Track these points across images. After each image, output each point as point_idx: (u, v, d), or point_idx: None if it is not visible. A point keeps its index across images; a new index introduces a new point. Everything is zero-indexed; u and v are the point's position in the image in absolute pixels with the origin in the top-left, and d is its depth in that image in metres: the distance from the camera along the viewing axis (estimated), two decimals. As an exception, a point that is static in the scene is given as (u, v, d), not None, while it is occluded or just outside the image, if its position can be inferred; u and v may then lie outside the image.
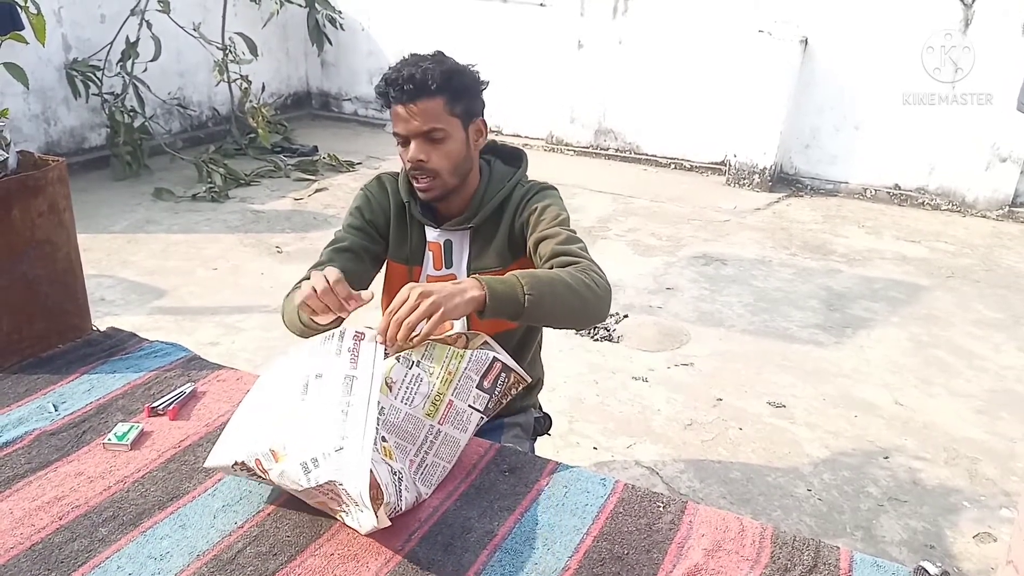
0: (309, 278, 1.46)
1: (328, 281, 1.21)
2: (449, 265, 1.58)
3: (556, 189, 1.60)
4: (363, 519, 1.02)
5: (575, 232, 1.48)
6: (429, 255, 1.58)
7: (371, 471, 1.00)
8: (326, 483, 1.01)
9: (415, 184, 1.49)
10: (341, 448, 1.02)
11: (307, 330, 1.35)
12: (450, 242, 1.57)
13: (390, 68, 1.45)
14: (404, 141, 1.46)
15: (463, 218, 1.54)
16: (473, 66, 1.50)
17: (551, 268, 1.41)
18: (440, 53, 1.47)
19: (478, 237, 1.56)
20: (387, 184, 1.61)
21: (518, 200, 1.55)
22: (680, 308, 3.72)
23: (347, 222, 1.60)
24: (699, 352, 3.30)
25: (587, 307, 1.34)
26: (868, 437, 2.75)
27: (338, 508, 1.07)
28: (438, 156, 1.45)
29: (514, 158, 1.64)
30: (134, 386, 1.46)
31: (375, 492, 1.00)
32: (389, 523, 1.02)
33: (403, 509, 1.07)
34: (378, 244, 1.60)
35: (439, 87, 1.41)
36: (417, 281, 1.57)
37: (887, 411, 2.93)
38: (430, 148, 1.44)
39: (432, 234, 1.57)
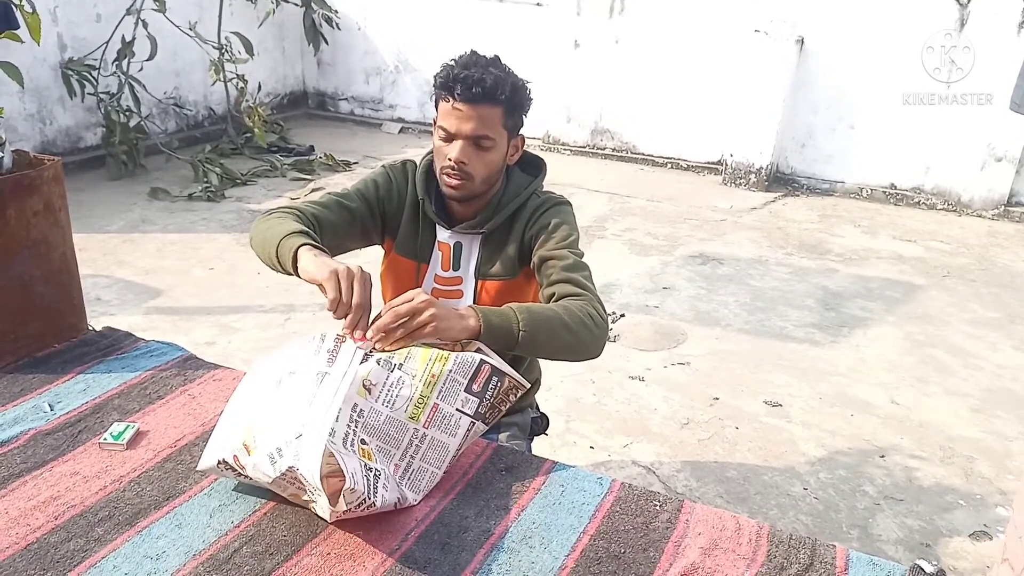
0: (292, 209, 1.48)
1: (359, 299, 1.22)
2: (457, 267, 1.57)
3: (570, 205, 1.59)
4: (322, 504, 1.02)
5: (582, 255, 1.49)
6: (438, 255, 1.58)
7: (334, 456, 1.00)
8: (288, 470, 1.02)
9: (445, 179, 1.48)
10: (300, 435, 1.04)
11: (276, 265, 1.36)
12: (460, 244, 1.56)
13: (454, 62, 1.44)
14: (448, 137, 1.45)
15: (476, 222, 1.54)
16: (528, 83, 1.50)
17: (553, 293, 1.42)
18: (499, 59, 1.47)
19: (489, 242, 1.56)
20: (409, 173, 1.61)
21: (531, 210, 1.55)
22: (676, 307, 3.72)
23: (359, 187, 1.59)
24: (696, 351, 3.30)
25: (581, 345, 1.35)
26: (864, 436, 2.76)
27: (308, 499, 1.07)
28: (479, 163, 1.46)
29: (533, 166, 1.64)
30: (130, 386, 1.46)
31: (337, 478, 0.99)
32: (346, 508, 1.01)
33: (378, 506, 1.05)
34: (376, 224, 1.60)
35: (506, 98, 1.42)
36: (424, 279, 1.58)
37: (883, 410, 2.93)
38: (473, 152, 1.44)
39: (443, 235, 1.57)
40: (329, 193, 1.58)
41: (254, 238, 1.45)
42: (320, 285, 1.24)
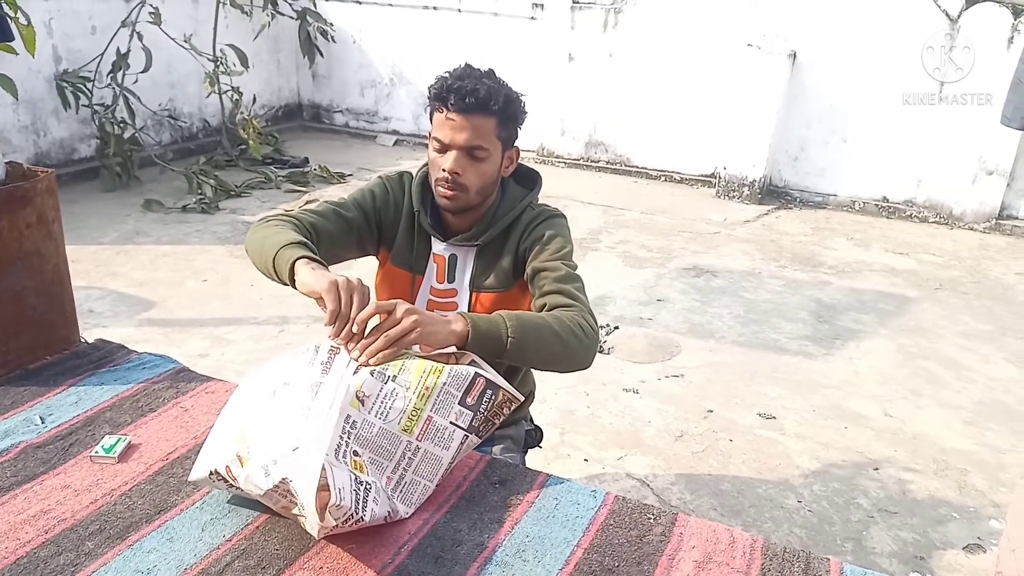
0: (290, 217, 1.47)
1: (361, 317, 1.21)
2: (452, 280, 1.57)
3: (564, 218, 1.60)
4: (311, 520, 1.01)
5: (575, 268, 1.49)
6: (433, 267, 1.58)
7: (324, 469, 1.00)
8: (281, 482, 1.01)
9: (440, 190, 1.49)
10: (297, 448, 1.03)
11: (273, 274, 1.36)
12: (455, 256, 1.57)
13: (448, 74, 1.45)
14: (442, 148, 1.46)
15: (471, 235, 1.54)
16: (522, 95, 1.51)
17: (544, 304, 1.42)
18: (493, 72, 1.48)
19: (483, 255, 1.56)
20: (407, 185, 1.62)
21: (526, 223, 1.55)
22: (670, 320, 3.73)
23: (355, 197, 1.59)
24: (689, 364, 3.31)
25: (570, 355, 1.36)
26: (858, 448, 2.76)
27: (298, 513, 1.07)
28: (473, 173, 1.46)
29: (529, 179, 1.65)
30: (122, 398, 1.45)
31: (324, 491, 0.99)
32: (335, 524, 1.00)
33: (367, 520, 1.05)
34: (372, 234, 1.60)
35: (499, 109, 1.43)
36: (419, 290, 1.58)
37: (877, 422, 2.94)
38: (467, 163, 1.45)
39: (438, 247, 1.57)
40: (326, 202, 1.58)
41: (250, 246, 1.45)
42: (319, 298, 1.23)
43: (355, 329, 1.20)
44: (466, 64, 1.48)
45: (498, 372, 1.24)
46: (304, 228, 1.46)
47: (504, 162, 1.53)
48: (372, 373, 1.15)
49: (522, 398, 1.25)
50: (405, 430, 1.14)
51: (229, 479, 1.09)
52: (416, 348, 1.24)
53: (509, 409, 1.23)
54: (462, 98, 1.41)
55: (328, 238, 1.50)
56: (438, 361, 1.21)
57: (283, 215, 1.49)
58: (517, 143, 1.56)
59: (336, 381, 1.13)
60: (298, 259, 1.31)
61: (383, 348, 1.18)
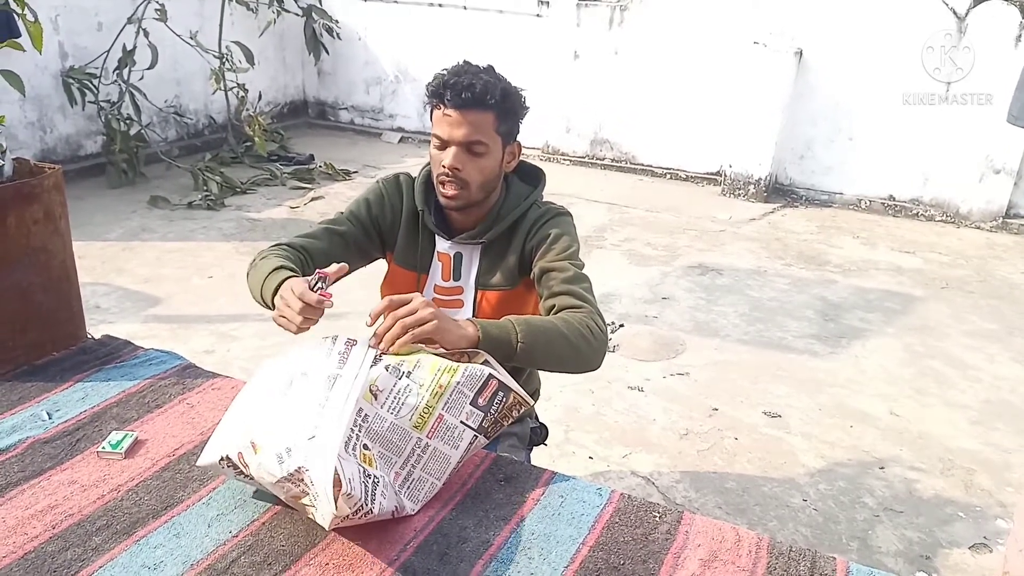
0: (279, 247, 1.49)
1: (298, 304, 1.24)
2: (457, 278, 1.57)
3: (571, 216, 1.60)
4: (324, 510, 1.01)
5: (583, 267, 1.49)
6: (438, 265, 1.58)
7: (336, 462, 1.00)
8: (296, 471, 1.02)
9: (441, 188, 1.49)
10: (313, 437, 1.04)
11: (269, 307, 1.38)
12: (460, 255, 1.57)
13: (446, 71, 1.45)
14: (442, 145, 1.47)
15: (476, 232, 1.54)
16: (522, 90, 1.51)
17: (553, 306, 1.43)
18: (492, 68, 1.48)
19: (489, 253, 1.56)
20: (404, 186, 1.62)
21: (531, 221, 1.55)
22: (676, 318, 3.72)
23: (351, 209, 1.60)
24: (695, 362, 3.30)
25: (579, 358, 1.36)
26: (864, 447, 2.76)
27: (308, 503, 1.07)
28: (473, 168, 1.46)
29: (533, 177, 1.64)
30: (128, 394, 1.45)
31: (335, 482, 0.99)
32: (349, 512, 1.01)
33: (375, 513, 1.05)
34: (373, 242, 1.61)
35: (496, 103, 1.43)
36: (424, 289, 1.59)
37: (882, 421, 2.93)
38: (467, 159, 1.45)
39: (443, 245, 1.57)
40: (322, 223, 1.59)
41: (250, 287, 1.46)
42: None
43: (368, 323, 1.21)
44: (464, 61, 1.48)
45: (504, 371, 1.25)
46: (296, 251, 1.49)
47: (505, 157, 1.52)
48: (387, 368, 1.16)
49: (532, 402, 1.26)
50: (416, 427, 1.14)
51: (240, 465, 1.09)
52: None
53: (518, 412, 1.23)
54: (458, 93, 1.41)
55: (323, 256, 1.52)
56: (451, 360, 1.21)
57: (273, 246, 1.50)
58: (519, 138, 1.55)
59: (353, 373, 1.13)
60: (277, 286, 1.34)
61: (399, 335, 1.19)
